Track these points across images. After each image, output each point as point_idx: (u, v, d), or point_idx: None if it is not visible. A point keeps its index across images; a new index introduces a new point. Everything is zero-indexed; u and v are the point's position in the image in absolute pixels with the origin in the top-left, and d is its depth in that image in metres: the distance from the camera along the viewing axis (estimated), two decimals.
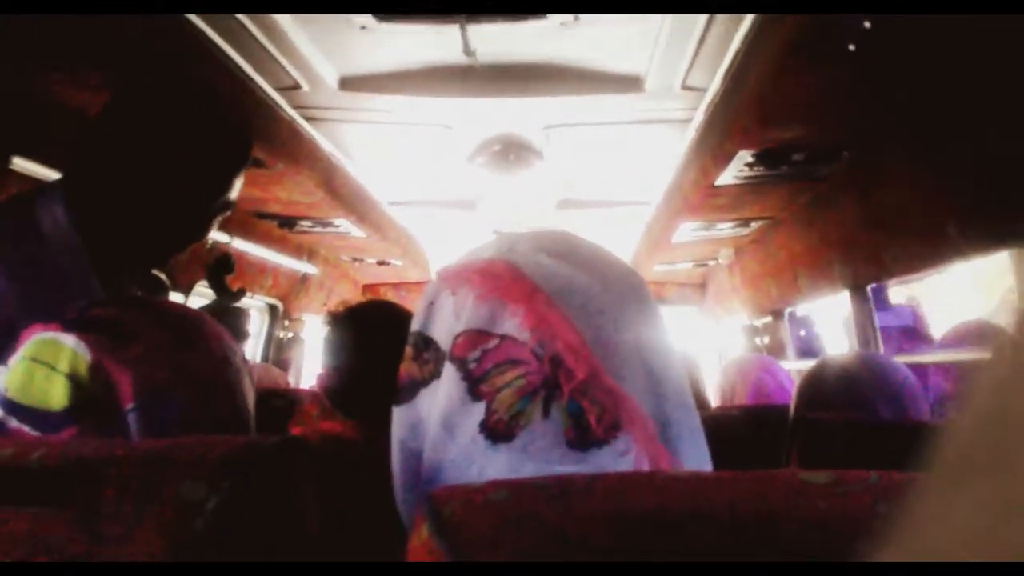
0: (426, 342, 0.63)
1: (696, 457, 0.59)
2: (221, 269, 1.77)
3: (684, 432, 0.58)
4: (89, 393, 0.75)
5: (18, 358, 0.77)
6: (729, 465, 0.52)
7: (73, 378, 0.75)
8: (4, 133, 1.67)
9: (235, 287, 3.18)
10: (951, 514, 0.20)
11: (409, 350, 0.65)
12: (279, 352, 3.92)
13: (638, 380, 0.57)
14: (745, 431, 1.95)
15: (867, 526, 0.40)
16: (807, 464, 1.35)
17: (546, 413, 0.54)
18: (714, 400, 2.60)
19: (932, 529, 0.21)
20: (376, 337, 1.44)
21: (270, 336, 3.87)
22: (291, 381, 3.94)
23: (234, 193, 1.44)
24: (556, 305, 0.58)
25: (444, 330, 0.61)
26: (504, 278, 0.60)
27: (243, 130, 1.44)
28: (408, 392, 0.63)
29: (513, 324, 0.57)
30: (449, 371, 0.58)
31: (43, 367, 0.75)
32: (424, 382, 0.61)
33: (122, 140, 1.31)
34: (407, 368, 0.64)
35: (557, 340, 0.56)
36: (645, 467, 0.55)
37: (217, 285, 1.77)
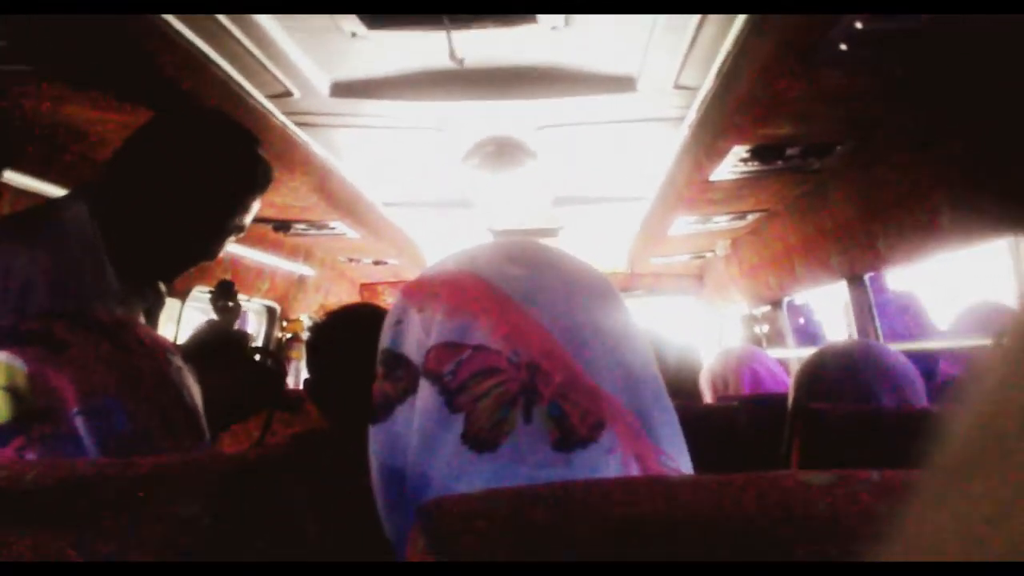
0: (397, 359, 0.62)
1: (676, 450, 0.59)
2: (223, 295, 1.80)
3: (663, 426, 0.59)
4: (31, 403, 0.75)
5: None
6: (732, 457, 0.53)
7: (11, 390, 0.74)
8: None
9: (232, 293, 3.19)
10: (950, 510, 0.20)
11: (380, 369, 0.65)
12: (279, 353, 3.92)
13: (615, 379, 0.57)
14: (746, 422, 1.95)
15: (869, 526, 0.40)
16: (809, 454, 1.35)
17: (528, 419, 0.54)
18: (707, 394, 2.59)
19: (931, 526, 0.21)
20: (350, 342, 1.46)
21: (268, 338, 3.87)
22: (290, 381, 3.96)
23: (248, 218, 1.53)
24: (526, 311, 0.58)
25: (415, 346, 0.61)
26: (471, 290, 0.59)
27: (263, 163, 1.54)
28: (383, 410, 0.63)
29: (485, 334, 0.57)
30: (424, 386, 0.58)
31: None
32: (399, 399, 0.61)
33: (149, 160, 1.41)
34: (380, 387, 0.64)
35: (531, 346, 0.56)
36: (632, 463, 0.55)
37: (221, 310, 1.80)
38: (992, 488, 0.19)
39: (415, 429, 0.58)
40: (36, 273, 1.23)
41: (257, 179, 1.54)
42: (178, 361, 0.89)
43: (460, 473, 0.55)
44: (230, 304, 1.84)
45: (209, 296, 1.85)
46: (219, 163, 1.47)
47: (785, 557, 0.39)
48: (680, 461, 0.59)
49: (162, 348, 0.87)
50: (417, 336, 0.61)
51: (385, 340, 0.65)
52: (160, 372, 0.85)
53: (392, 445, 0.61)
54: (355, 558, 0.92)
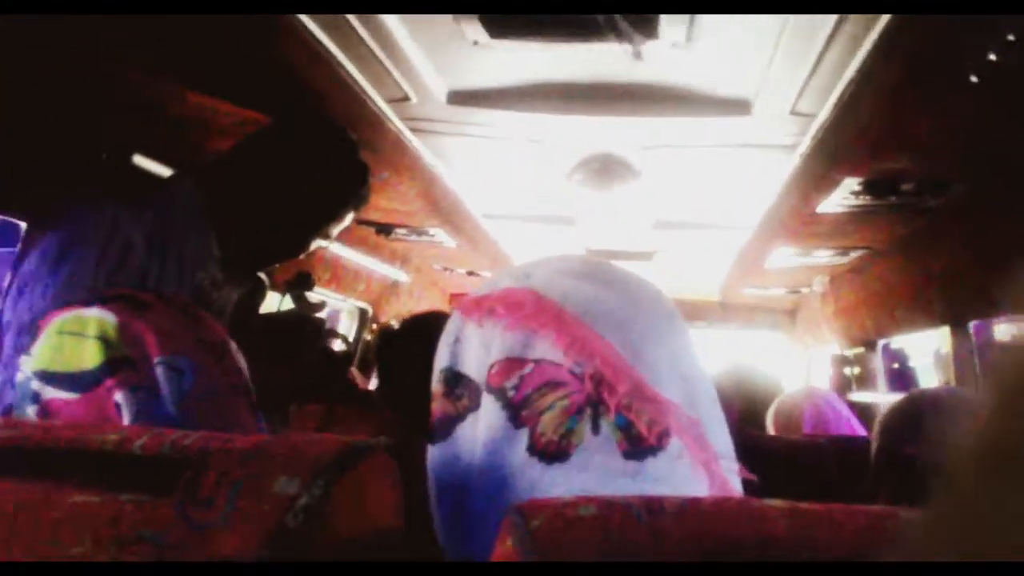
0: (457, 377, 0.63)
1: (729, 452, 0.61)
2: (300, 286, 1.86)
3: (718, 430, 0.60)
4: (120, 350, 0.80)
5: (44, 337, 0.82)
6: (808, 494, 0.53)
7: (103, 339, 0.80)
8: (127, 134, 1.76)
9: (330, 288, 3.28)
10: (959, 524, 0.21)
11: (439, 387, 0.65)
12: (366, 354, 4.00)
13: (675, 386, 0.58)
14: (825, 461, 1.92)
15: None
16: (898, 500, 1.31)
17: (596, 430, 0.55)
18: (769, 429, 2.55)
19: (948, 530, 0.22)
20: (418, 350, 1.49)
21: (358, 339, 3.95)
22: (374, 384, 4.02)
23: (338, 230, 1.62)
24: (586, 323, 0.58)
25: (475, 363, 0.62)
26: (528, 305, 0.60)
27: (366, 183, 1.62)
28: (443, 430, 0.64)
29: (546, 347, 0.58)
30: (488, 401, 0.59)
31: (72, 336, 0.80)
32: (460, 417, 0.62)
33: (266, 159, 1.49)
34: (440, 406, 0.65)
35: (595, 357, 0.57)
36: (701, 470, 0.56)
37: (296, 299, 1.86)
38: (999, 494, 0.20)
39: (480, 445, 0.59)
40: (138, 233, 1.29)
41: (360, 202, 1.64)
42: (235, 345, 0.94)
43: (533, 484, 0.55)
44: (306, 295, 1.89)
45: (285, 284, 1.90)
46: (331, 179, 1.56)
47: None
48: (732, 458, 0.61)
49: (224, 331, 0.93)
50: (477, 353, 0.62)
51: (443, 359, 0.66)
52: (225, 343, 0.91)
53: (453, 464, 0.62)
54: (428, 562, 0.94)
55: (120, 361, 0.79)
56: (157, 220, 1.35)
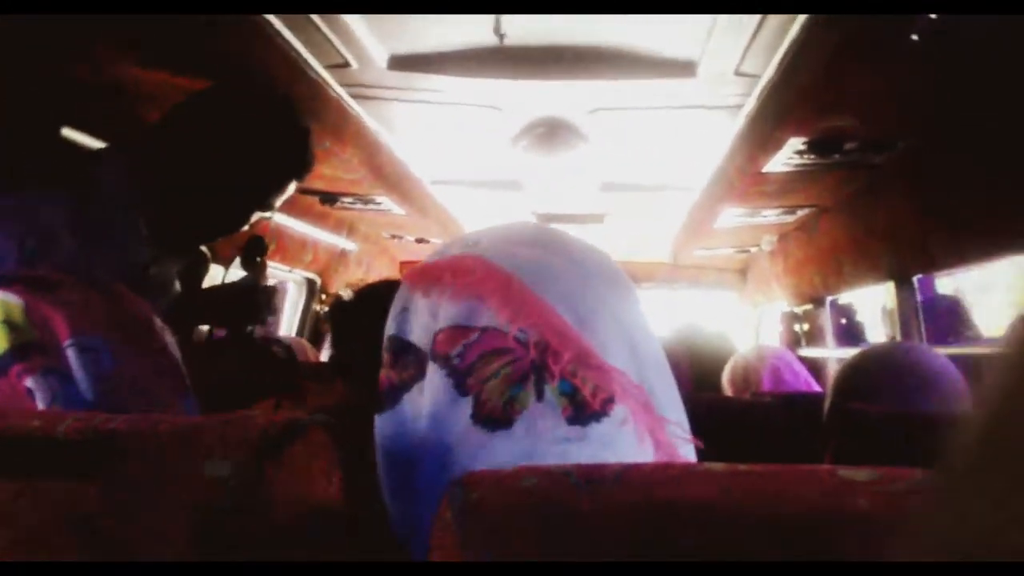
0: (404, 346, 0.62)
1: (677, 415, 0.61)
2: (254, 251, 1.82)
3: (665, 393, 0.60)
4: (27, 334, 0.76)
5: None
6: (764, 453, 0.53)
7: (8, 323, 0.76)
8: (55, 107, 1.69)
9: (275, 260, 3.22)
10: (957, 512, 0.20)
11: (386, 356, 0.64)
12: (316, 325, 3.96)
13: (622, 354, 0.58)
14: (780, 419, 1.94)
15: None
16: (846, 455, 1.33)
17: (540, 396, 0.54)
18: (726, 388, 2.57)
19: (937, 527, 0.21)
20: (372, 320, 1.48)
21: (307, 310, 3.91)
22: (325, 354, 3.99)
23: (281, 199, 1.55)
24: (533, 291, 0.58)
25: (422, 331, 0.61)
26: (476, 272, 0.59)
27: (308, 149, 1.54)
28: (390, 399, 0.63)
29: (491, 315, 0.57)
30: (433, 370, 0.58)
31: None
32: (406, 386, 0.61)
33: (203, 129, 1.41)
34: (386, 374, 0.64)
35: (540, 324, 0.56)
36: (646, 435, 0.56)
37: (248, 265, 1.82)
38: (1000, 491, 0.19)
39: (425, 414, 0.58)
40: (59, 220, 1.23)
41: (303, 168, 1.56)
42: (160, 323, 0.90)
43: (476, 452, 0.55)
44: (258, 260, 1.85)
45: (241, 250, 1.85)
46: (271, 147, 1.47)
47: (822, 552, 0.39)
48: (682, 425, 0.60)
49: (146, 307, 0.89)
50: (424, 321, 0.61)
51: (391, 327, 0.65)
52: (148, 321, 0.87)
53: (399, 433, 0.62)
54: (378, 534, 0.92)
55: (27, 345, 0.76)
56: (80, 203, 1.28)
